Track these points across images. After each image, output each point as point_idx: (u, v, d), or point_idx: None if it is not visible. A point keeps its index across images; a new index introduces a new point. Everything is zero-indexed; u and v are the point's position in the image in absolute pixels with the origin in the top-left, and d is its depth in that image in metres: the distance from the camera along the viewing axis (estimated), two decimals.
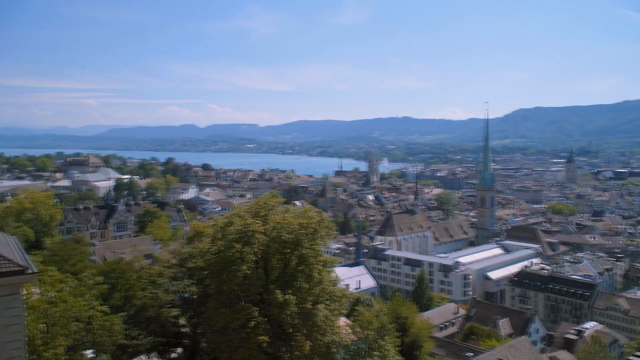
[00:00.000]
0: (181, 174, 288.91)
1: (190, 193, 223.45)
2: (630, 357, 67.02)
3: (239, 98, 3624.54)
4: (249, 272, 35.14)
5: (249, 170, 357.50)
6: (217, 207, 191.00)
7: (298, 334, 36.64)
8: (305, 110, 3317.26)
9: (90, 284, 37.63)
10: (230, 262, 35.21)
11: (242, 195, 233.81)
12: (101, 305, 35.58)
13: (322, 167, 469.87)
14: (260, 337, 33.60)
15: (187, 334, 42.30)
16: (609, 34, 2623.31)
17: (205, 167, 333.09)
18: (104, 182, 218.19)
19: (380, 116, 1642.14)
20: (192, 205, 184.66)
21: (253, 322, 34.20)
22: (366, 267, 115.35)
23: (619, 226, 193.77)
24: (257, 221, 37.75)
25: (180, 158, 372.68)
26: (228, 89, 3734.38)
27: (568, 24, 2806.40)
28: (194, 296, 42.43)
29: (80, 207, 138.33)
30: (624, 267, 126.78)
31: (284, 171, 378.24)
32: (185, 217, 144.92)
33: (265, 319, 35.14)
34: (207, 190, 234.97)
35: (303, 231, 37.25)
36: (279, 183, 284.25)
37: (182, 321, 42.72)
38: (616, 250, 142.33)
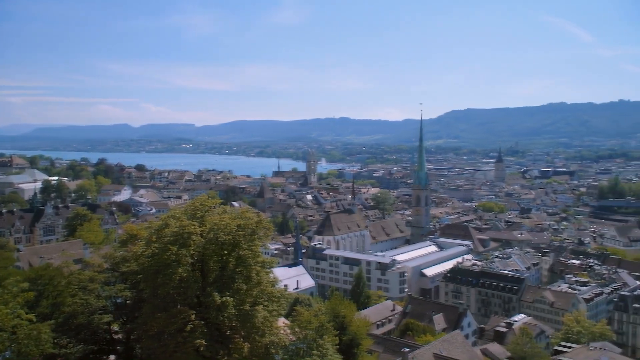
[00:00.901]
0: (114, 175, 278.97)
1: (124, 195, 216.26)
2: (556, 347, 70.97)
3: (175, 97, 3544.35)
4: (185, 274, 34.46)
5: (186, 171, 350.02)
6: (152, 209, 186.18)
7: (236, 336, 36.30)
8: (243, 110, 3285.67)
9: (14, 291, 35.79)
10: (166, 265, 34.39)
11: (178, 197, 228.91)
12: (27, 313, 33.84)
13: (261, 167, 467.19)
14: (198, 341, 33.06)
15: (120, 341, 40.98)
16: (534, 40, 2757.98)
17: (140, 167, 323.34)
18: (29, 184, 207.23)
19: (319, 116, 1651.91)
20: (125, 208, 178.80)
21: (190, 325, 33.57)
22: (305, 267, 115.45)
23: (544, 222, 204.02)
24: (194, 223, 37.07)
25: (113, 159, 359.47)
26: (163, 87, 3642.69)
27: (497, 29, 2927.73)
28: (128, 301, 41.18)
29: (4, 210, 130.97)
30: (549, 262, 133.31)
31: (221, 172, 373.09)
32: (118, 220, 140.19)
33: (203, 322, 34.58)
34: (142, 191, 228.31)
35: (241, 232, 36.93)
36: (216, 184, 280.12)
37: (115, 327, 41.37)
38: (542, 246, 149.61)
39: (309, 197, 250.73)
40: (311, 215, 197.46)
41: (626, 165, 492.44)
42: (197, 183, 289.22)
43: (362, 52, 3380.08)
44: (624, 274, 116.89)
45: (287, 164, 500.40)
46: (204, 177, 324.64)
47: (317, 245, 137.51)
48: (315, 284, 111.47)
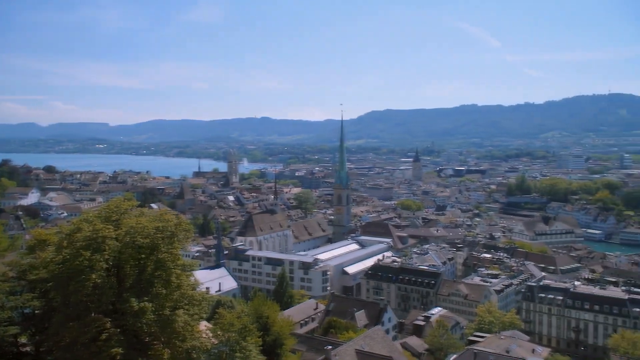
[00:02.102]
0: (19, 177, 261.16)
1: (31, 198, 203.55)
2: (470, 337, 74.35)
3: (87, 95, 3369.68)
4: (100, 280, 32.87)
5: (100, 172, 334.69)
6: (63, 213, 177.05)
7: (156, 342, 35.16)
8: (161, 109, 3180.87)
9: None
10: (78, 272, 32.64)
11: (92, 199, 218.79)
12: None
13: (180, 168, 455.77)
14: (114, 350, 31.65)
15: (29, 354, 38.44)
16: (447, 44, 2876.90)
17: (49, 169, 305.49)
18: None
19: (240, 116, 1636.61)
20: (33, 212, 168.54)
21: (105, 334, 32.10)
22: (227, 268, 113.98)
23: (458, 219, 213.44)
24: (109, 226, 35.44)
25: (19, 160, 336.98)
26: (74, 85, 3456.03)
27: (413, 33, 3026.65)
28: (37, 311, 38.72)
29: None
30: (464, 256, 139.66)
31: (138, 173, 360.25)
32: (25, 225, 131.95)
33: (119, 330, 33.16)
34: (51, 194, 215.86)
35: (160, 235, 35.77)
36: (133, 185, 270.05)
37: (22, 340, 38.74)
38: (457, 241, 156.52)
39: (231, 197, 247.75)
40: (233, 216, 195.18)
41: (532, 163, 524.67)
42: (112, 185, 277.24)
43: (283, 52, 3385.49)
44: (530, 265, 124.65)
45: (207, 165, 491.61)
46: (119, 178, 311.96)
47: (240, 247, 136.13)
48: (238, 285, 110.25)
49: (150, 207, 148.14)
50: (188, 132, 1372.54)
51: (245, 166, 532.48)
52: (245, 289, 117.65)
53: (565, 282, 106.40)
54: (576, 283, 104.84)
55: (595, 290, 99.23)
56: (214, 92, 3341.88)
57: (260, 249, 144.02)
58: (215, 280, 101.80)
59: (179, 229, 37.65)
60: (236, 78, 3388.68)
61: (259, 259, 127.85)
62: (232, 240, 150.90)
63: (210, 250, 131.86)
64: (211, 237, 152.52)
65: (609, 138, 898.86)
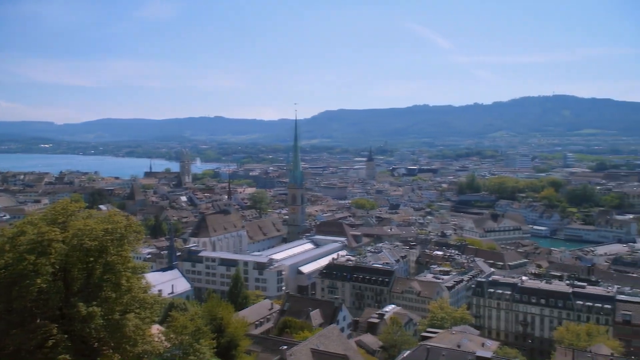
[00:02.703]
0: None
1: None
2: (423, 333, 75.71)
3: (32, 93, 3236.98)
4: (46, 285, 31.72)
5: (45, 173, 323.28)
6: (5, 215, 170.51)
7: (105, 347, 34.20)
8: (110, 108, 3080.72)
9: None
10: (22, 276, 31.38)
11: (36, 201, 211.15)
12: None
13: (131, 168, 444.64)
14: (61, 357, 30.60)
15: None
16: (399, 45, 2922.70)
17: None
18: None
19: (193, 115, 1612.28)
20: None
21: (51, 340, 30.98)
22: (180, 270, 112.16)
23: (411, 217, 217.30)
24: (55, 229, 34.20)
25: None
26: (17, 81, 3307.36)
27: (366, 33, 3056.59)
28: None
29: None
30: (416, 254, 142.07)
31: (86, 173, 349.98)
32: None
33: (66, 336, 32.08)
34: None
35: (109, 237, 34.78)
36: (81, 186, 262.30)
37: None
38: (410, 239, 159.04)
39: (184, 198, 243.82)
40: (186, 217, 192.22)
41: (481, 163, 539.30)
42: (58, 186, 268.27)
43: (237, 51, 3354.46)
44: (480, 262, 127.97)
45: (159, 165, 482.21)
46: (66, 179, 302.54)
47: (193, 248, 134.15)
48: (192, 287, 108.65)
49: (99, 209, 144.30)
50: (139, 132, 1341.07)
51: (198, 166, 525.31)
52: (199, 290, 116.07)
53: (513, 277, 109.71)
54: (523, 278, 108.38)
55: (542, 284, 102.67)
56: (166, 90, 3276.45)
57: (214, 249, 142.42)
58: (167, 283, 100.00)
59: (129, 230, 36.75)
60: (189, 76, 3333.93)
61: (213, 260, 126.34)
62: (185, 241, 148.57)
63: (162, 252, 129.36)
64: (163, 238, 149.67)
65: (554, 138, 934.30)
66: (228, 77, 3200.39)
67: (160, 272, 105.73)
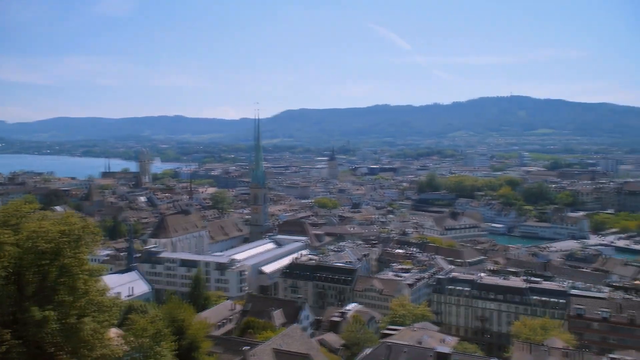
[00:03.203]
0: None
1: None
2: (384, 331, 76.59)
3: None
4: None
5: None
6: None
7: (61, 352, 33.29)
8: (65, 106, 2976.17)
9: None
10: None
11: None
12: None
13: (87, 168, 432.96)
14: None
15: None
16: (360, 45, 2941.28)
17: None
18: None
19: (152, 114, 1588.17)
20: None
21: (4, 346, 29.96)
22: (139, 272, 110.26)
23: (373, 216, 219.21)
24: (7, 231, 33.09)
25: None
26: None
27: (326, 33, 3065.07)
28: None
29: None
30: (378, 252, 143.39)
31: (40, 174, 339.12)
32: None
33: (20, 341, 31.06)
34: None
35: (64, 239, 33.85)
36: (34, 187, 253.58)
37: None
38: (371, 238, 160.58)
39: (143, 198, 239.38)
40: (145, 218, 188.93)
41: (441, 162, 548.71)
42: (10, 187, 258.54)
43: (197, 50, 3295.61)
44: (440, 259, 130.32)
45: (117, 165, 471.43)
46: (19, 179, 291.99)
47: (152, 249, 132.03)
48: (151, 289, 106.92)
49: (54, 210, 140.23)
50: (95, 131, 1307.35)
51: (158, 166, 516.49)
52: (159, 292, 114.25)
53: (471, 274, 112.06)
54: (481, 274, 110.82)
55: (499, 280, 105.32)
56: (124, 88, 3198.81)
57: (174, 250, 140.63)
58: (126, 285, 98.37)
59: (85, 232, 35.89)
60: (147, 75, 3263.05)
61: (173, 261, 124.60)
62: (145, 242, 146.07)
63: (121, 254, 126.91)
64: (122, 240, 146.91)
65: (510, 137, 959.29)
66: (188, 76, 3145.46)
67: (118, 274, 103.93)
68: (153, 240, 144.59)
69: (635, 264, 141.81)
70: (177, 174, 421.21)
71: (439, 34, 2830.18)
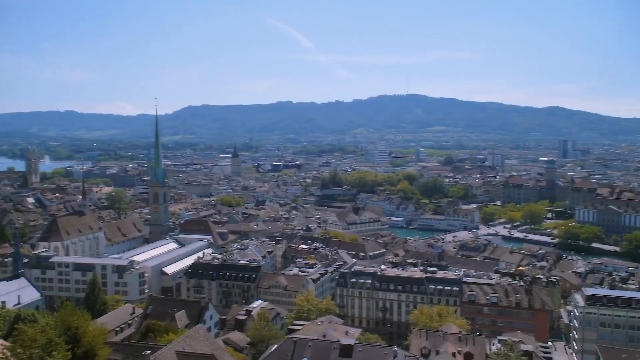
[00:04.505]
0: None
1: None
2: (290, 326, 77.26)
3: None
4: None
5: None
6: None
7: None
8: None
9: None
10: None
11: None
12: None
13: None
14: None
15: None
16: (262, 42, 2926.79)
17: None
18: None
19: (39, 109, 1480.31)
20: None
21: None
22: (27, 278, 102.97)
23: (277, 213, 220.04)
24: None
25: None
26: None
27: (227, 28, 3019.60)
28: None
29: None
30: (283, 248, 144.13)
31: None
32: None
33: None
34: None
35: None
36: None
37: None
38: (276, 234, 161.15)
39: (31, 199, 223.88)
40: (34, 220, 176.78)
41: (343, 158, 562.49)
42: None
43: (88, 41, 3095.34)
44: (343, 253, 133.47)
45: (1, 163, 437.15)
46: None
47: (42, 253, 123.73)
48: (42, 296, 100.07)
49: None
50: None
51: (48, 164, 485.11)
52: (51, 299, 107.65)
53: (373, 267, 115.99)
54: (382, 267, 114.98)
55: (399, 272, 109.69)
56: (7, 81, 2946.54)
57: (67, 254, 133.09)
58: (13, 293, 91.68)
59: None
60: (33, 66, 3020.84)
61: (66, 265, 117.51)
62: (34, 246, 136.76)
63: (6, 260, 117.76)
64: (7, 244, 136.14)
65: (408, 134, 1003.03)
66: (79, 69, 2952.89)
67: (3, 282, 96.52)
68: (43, 244, 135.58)
69: (519, 251, 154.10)
70: (70, 173, 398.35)
71: (340, 33, 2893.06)
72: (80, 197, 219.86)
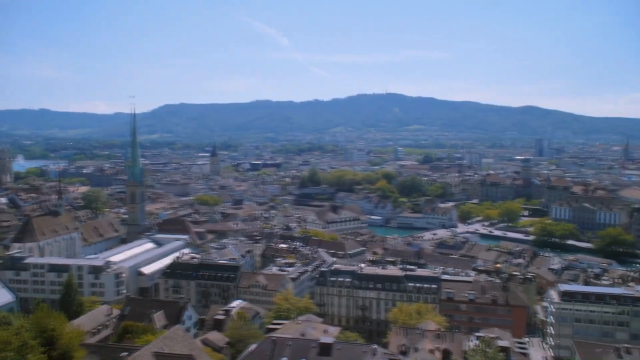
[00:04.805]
0: None
1: None
2: (269, 326, 77.09)
3: None
4: None
5: None
6: None
7: None
8: None
9: None
10: None
11: None
12: None
13: None
14: None
15: None
16: (238, 40, 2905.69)
17: None
18: None
19: (11, 107, 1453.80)
20: None
21: None
22: (1, 280, 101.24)
23: (256, 212, 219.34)
24: None
25: None
26: None
27: (203, 26, 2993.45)
28: None
29: None
30: (262, 248, 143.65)
31: None
32: None
33: None
34: None
35: None
36: None
37: None
38: (255, 234, 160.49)
39: (4, 200, 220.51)
40: (7, 221, 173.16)
41: (322, 157, 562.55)
42: None
43: (61, 38, 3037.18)
44: (323, 252, 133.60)
45: None
46: None
47: (16, 254, 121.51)
48: (16, 298, 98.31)
49: None
50: None
51: (22, 164, 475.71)
52: (26, 301, 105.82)
53: (352, 265, 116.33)
54: (362, 265, 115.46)
55: (378, 270, 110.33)
56: None
57: (42, 255, 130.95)
58: None
59: None
60: (4, 63, 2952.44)
61: (41, 266, 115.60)
62: (7, 247, 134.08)
63: None
64: None
65: (386, 133, 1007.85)
66: (52, 66, 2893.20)
67: None
68: (17, 244, 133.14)
69: (496, 249, 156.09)
70: (45, 172, 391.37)
71: (317, 32, 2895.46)
72: (56, 196, 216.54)
